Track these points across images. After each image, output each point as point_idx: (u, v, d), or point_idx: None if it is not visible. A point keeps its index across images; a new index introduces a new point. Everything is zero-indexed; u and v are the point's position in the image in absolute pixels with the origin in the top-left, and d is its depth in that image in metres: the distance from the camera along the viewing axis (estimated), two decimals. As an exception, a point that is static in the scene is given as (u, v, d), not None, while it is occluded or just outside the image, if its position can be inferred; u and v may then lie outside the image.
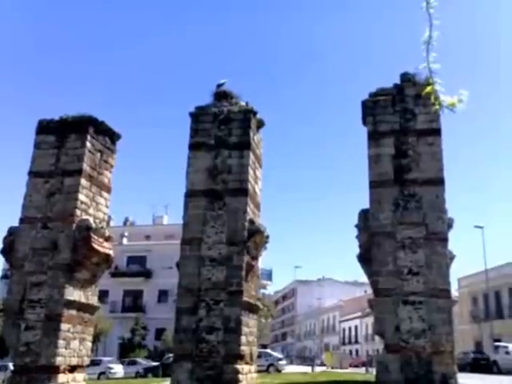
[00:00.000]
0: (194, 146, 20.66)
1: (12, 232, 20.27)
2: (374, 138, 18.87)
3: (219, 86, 22.53)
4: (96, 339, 32.52)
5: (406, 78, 19.41)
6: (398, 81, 19.59)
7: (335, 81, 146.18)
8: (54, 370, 18.31)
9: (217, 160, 20.36)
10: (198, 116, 21.11)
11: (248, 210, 19.77)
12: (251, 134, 20.79)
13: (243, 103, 21.75)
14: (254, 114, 21.34)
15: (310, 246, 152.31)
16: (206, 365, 18.01)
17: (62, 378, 18.56)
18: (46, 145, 21.08)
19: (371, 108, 19.27)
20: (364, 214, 18.38)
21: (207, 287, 18.83)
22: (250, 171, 20.42)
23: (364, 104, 19.51)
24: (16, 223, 20.33)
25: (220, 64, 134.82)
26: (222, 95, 21.97)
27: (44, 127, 21.36)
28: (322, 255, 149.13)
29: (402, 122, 18.90)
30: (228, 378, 17.59)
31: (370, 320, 58.23)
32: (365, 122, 19.40)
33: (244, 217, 19.50)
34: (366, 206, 18.35)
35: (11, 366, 21.59)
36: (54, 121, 21.45)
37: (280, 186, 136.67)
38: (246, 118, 20.94)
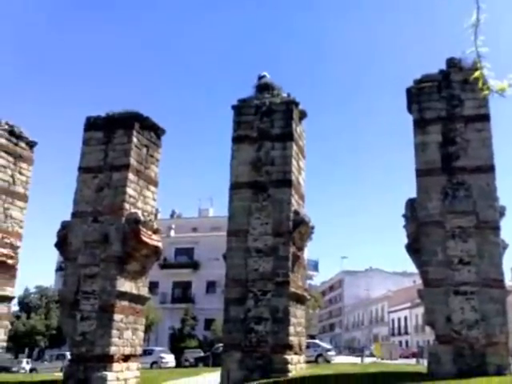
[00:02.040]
0: (237, 139, 20.81)
1: (65, 226, 21.04)
2: (420, 125, 18.44)
3: (261, 78, 22.58)
4: (148, 329, 33.34)
5: (453, 63, 18.83)
6: (443, 66, 19.02)
7: (379, 67, 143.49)
8: (109, 358, 18.96)
9: (260, 152, 20.45)
10: (241, 109, 21.23)
11: (292, 200, 19.79)
12: (294, 125, 20.75)
13: (285, 94, 21.73)
14: (296, 104, 21.28)
15: (357, 236, 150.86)
16: (255, 355, 18.22)
17: (116, 366, 19.20)
18: (94, 141, 21.69)
19: (416, 95, 18.82)
20: (411, 204, 18.04)
21: (254, 278, 19.01)
22: (294, 162, 20.41)
23: (409, 91, 19.08)
24: (68, 217, 21.11)
25: (262, 57, 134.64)
26: (263, 87, 22.01)
27: (91, 124, 21.98)
28: (369, 245, 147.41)
29: (448, 108, 18.38)
30: (277, 368, 17.74)
31: (419, 311, 57.21)
32: (410, 110, 18.98)
33: (288, 208, 19.54)
34: (414, 195, 18.00)
35: (68, 355, 22.52)
36: (101, 117, 22.04)
37: (326, 176, 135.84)
38: (288, 109, 20.91)
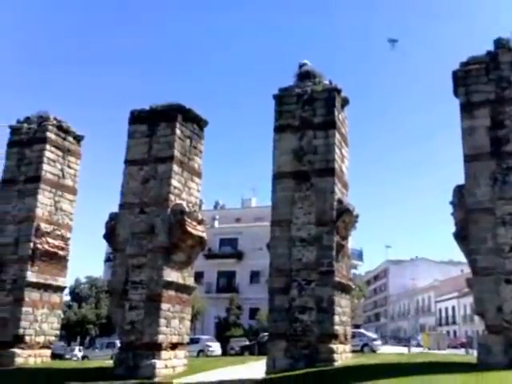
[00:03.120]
0: (279, 129, 20.76)
1: (113, 217, 21.64)
2: (467, 109, 17.85)
3: (301, 66, 22.40)
4: (194, 318, 33.91)
5: (501, 43, 18.11)
6: (491, 47, 18.32)
7: (423, 51, 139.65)
8: (157, 346, 19.45)
9: (302, 141, 20.35)
10: (282, 98, 21.14)
11: (336, 189, 19.63)
12: (336, 113, 20.53)
13: (326, 82, 21.49)
14: (338, 92, 21.03)
15: (402, 224, 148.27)
16: (300, 344, 18.27)
17: (164, 354, 19.67)
18: (139, 134, 22.15)
19: (463, 78, 18.21)
20: (459, 190, 17.55)
21: (298, 268, 19.01)
22: (336, 150, 20.21)
23: (455, 74, 18.48)
24: (116, 209, 21.67)
25: (303, 45, 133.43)
26: (304, 75, 21.84)
27: (136, 117, 22.44)
28: (415, 234, 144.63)
29: (497, 91, 17.71)
30: (323, 357, 17.74)
31: (468, 300, 55.81)
32: (456, 94, 18.40)
33: (332, 197, 19.40)
34: (462, 181, 17.51)
35: (118, 343, 23.22)
36: (145, 110, 22.46)
37: (370, 164, 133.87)
38: (330, 97, 20.69)
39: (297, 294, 18.81)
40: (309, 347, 18.16)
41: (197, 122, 23.28)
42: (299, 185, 19.86)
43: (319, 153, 20.02)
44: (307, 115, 20.55)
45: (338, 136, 20.49)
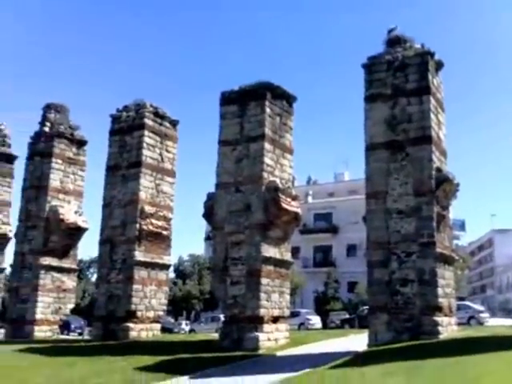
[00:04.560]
0: (369, 98, 20.23)
1: (210, 197, 22.49)
2: None
3: (390, 31, 21.55)
4: (293, 293, 34.43)
5: None
6: None
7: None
8: (259, 320, 20.11)
9: (395, 109, 19.72)
10: (372, 66, 20.53)
11: (433, 157, 18.88)
12: (430, 78, 19.61)
13: (418, 46, 20.55)
14: (432, 55, 20.04)
15: (508, 191, 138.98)
16: (402, 316, 18.00)
17: (266, 327, 20.29)
18: (230, 114, 22.66)
19: None
20: None
21: (397, 240, 18.63)
22: (432, 117, 19.36)
23: None
24: (213, 189, 22.44)
25: (392, 11, 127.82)
26: (394, 41, 21.02)
27: (226, 98, 22.94)
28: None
29: None
30: (427, 330, 17.36)
31: None
32: None
33: (430, 165, 18.69)
34: None
35: (222, 317, 24.23)
36: (235, 91, 22.88)
37: (470, 128, 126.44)
38: (423, 61, 19.78)
39: (397, 266, 18.47)
40: (412, 320, 17.84)
41: (286, 99, 23.35)
42: (394, 155, 19.32)
43: (414, 120, 19.30)
44: (399, 82, 19.83)
45: (433, 102, 19.60)
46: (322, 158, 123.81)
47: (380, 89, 20.08)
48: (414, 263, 18.21)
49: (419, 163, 18.82)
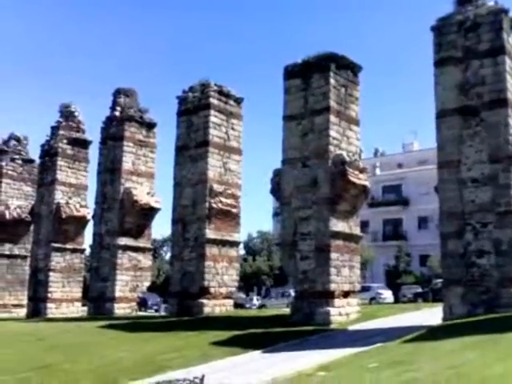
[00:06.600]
0: (439, 62, 19.34)
1: (277, 173, 22.51)
2: None
3: (461, -11, 20.34)
4: (363, 267, 34.10)
5: None
6: None
7: None
8: (330, 294, 20.07)
9: (467, 73, 18.77)
10: (441, 28, 19.55)
11: (510, 122, 17.87)
12: (505, 37, 18.45)
13: (491, 3, 19.31)
14: (506, 12, 18.82)
15: None
16: (478, 289, 17.39)
17: (337, 302, 20.24)
18: (294, 89, 22.39)
19: None
20: None
21: (471, 210, 17.91)
22: (508, 78, 18.26)
23: None
24: (279, 165, 22.42)
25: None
26: (465, -1, 19.86)
27: (289, 72, 22.66)
28: None
29: None
30: (505, 303, 16.71)
31: None
32: None
33: (506, 130, 17.76)
34: None
35: (292, 292, 24.39)
36: (298, 64, 22.54)
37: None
38: (497, 20, 18.62)
39: (472, 237, 17.78)
40: (488, 293, 17.20)
41: (351, 69, 22.77)
42: (467, 121, 18.44)
43: (488, 83, 18.27)
44: (471, 43, 18.78)
45: (508, 62, 18.44)
46: (390, 129, 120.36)
47: (450, 52, 19.12)
48: (491, 234, 17.47)
49: (495, 128, 17.89)
